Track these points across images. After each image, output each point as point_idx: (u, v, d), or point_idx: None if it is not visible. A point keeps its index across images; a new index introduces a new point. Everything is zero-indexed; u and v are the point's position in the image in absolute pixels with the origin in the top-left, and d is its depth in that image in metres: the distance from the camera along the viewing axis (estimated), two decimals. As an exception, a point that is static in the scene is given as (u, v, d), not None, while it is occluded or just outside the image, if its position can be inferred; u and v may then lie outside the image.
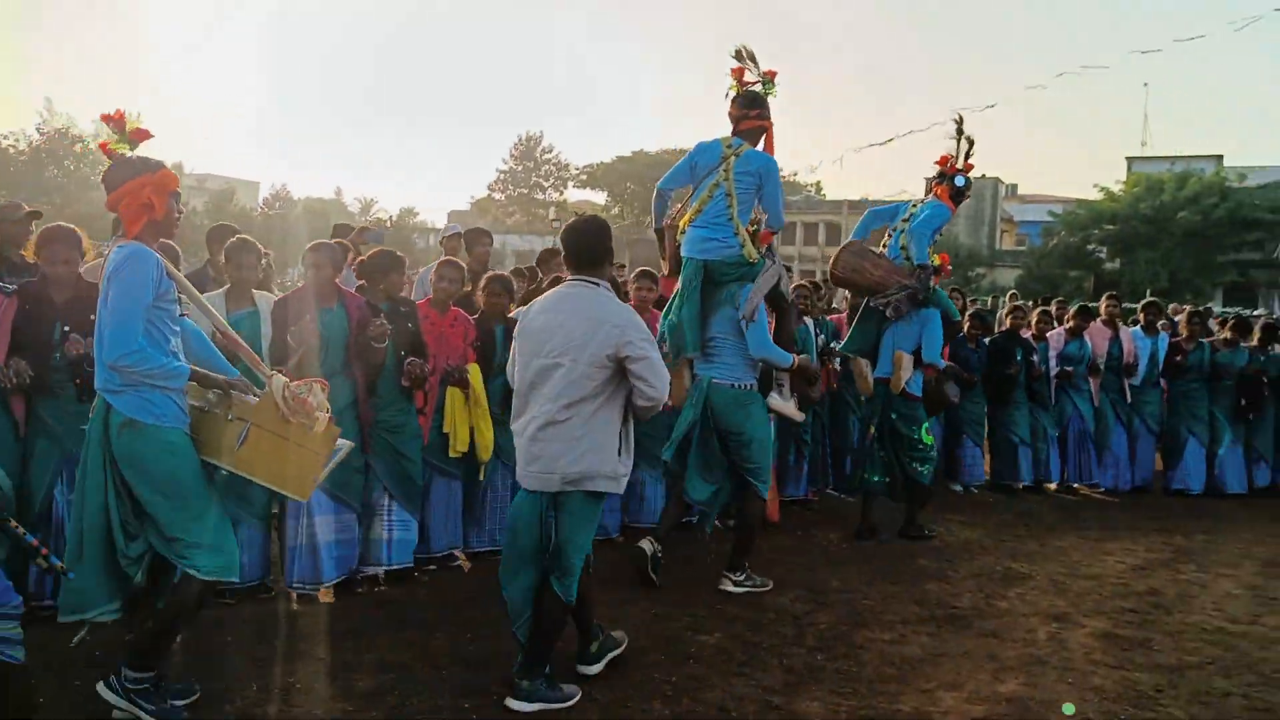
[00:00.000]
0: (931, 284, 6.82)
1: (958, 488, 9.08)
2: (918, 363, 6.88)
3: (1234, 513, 8.91)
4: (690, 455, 5.64)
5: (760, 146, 5.71)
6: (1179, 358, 9.47)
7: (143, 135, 3.73)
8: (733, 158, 5.55)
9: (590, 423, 3.97)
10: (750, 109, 5.66)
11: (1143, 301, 10.10)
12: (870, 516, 7.20)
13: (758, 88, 5.75)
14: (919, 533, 7.17)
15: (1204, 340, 9.62)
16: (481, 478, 5.92)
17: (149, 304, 3.54)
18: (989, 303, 20.98)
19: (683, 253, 5.67)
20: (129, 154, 3.71)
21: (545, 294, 4.31)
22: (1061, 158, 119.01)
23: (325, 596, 5.33)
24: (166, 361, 3.57)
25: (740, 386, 5.63)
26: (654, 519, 6.62)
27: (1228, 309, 36.21)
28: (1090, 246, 48.00)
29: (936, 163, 7.14)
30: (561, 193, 75.95)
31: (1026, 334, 9.35)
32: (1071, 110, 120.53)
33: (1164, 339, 9.58)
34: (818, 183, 74.25)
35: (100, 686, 3.68)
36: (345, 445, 4.13)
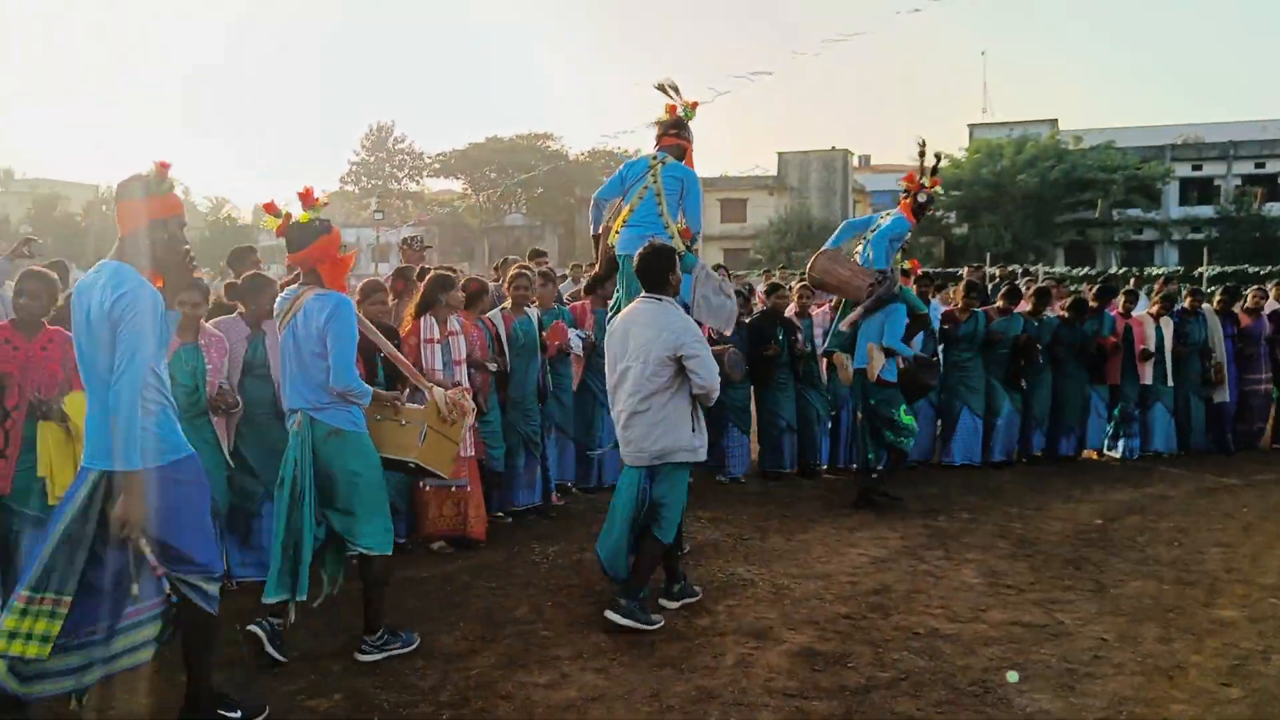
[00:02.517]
0: (898, 284, 7.63)
1: (722, 478, 8.49)
2: (889, 353, 7.48)
3: (1006, 485, 8.58)
4: None
5: (685, 160, 6.26)
6: (948, 327, 9.08)
7: (317, 203, 4.46)
8: (659, 166, 6.12)
9: (665, 410, 4.95)
10: (671, 128, 6.25)
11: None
12: (883, 483, 7.71)
13: (680, 112, 6.33)
14: (884, 498, 7.68)
15: (977, 310, 9.24)
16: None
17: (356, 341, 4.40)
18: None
19: (618, 252, 6.22)
20: (309, 220, 4.40)
21: (629, 307, 5.25)
22: (911, 128, 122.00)
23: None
24: (367, 388, 4.44)
25: None
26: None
27: (1068, 269, 37.37)
28: (939, 213, 48.88)
29: (903, 180, 7.87)
30: (418, 182, 73.99)
31: (792, 311, 8.83)
32: (918, 80, 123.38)
33: (936, 308, 9.19)
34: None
35: (359, 657, 4.51)
36: (463, 432, 5.14)
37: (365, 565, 4.49)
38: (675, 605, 5.29)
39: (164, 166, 3.64)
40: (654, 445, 4.98)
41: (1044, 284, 10.84)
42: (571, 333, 7.45)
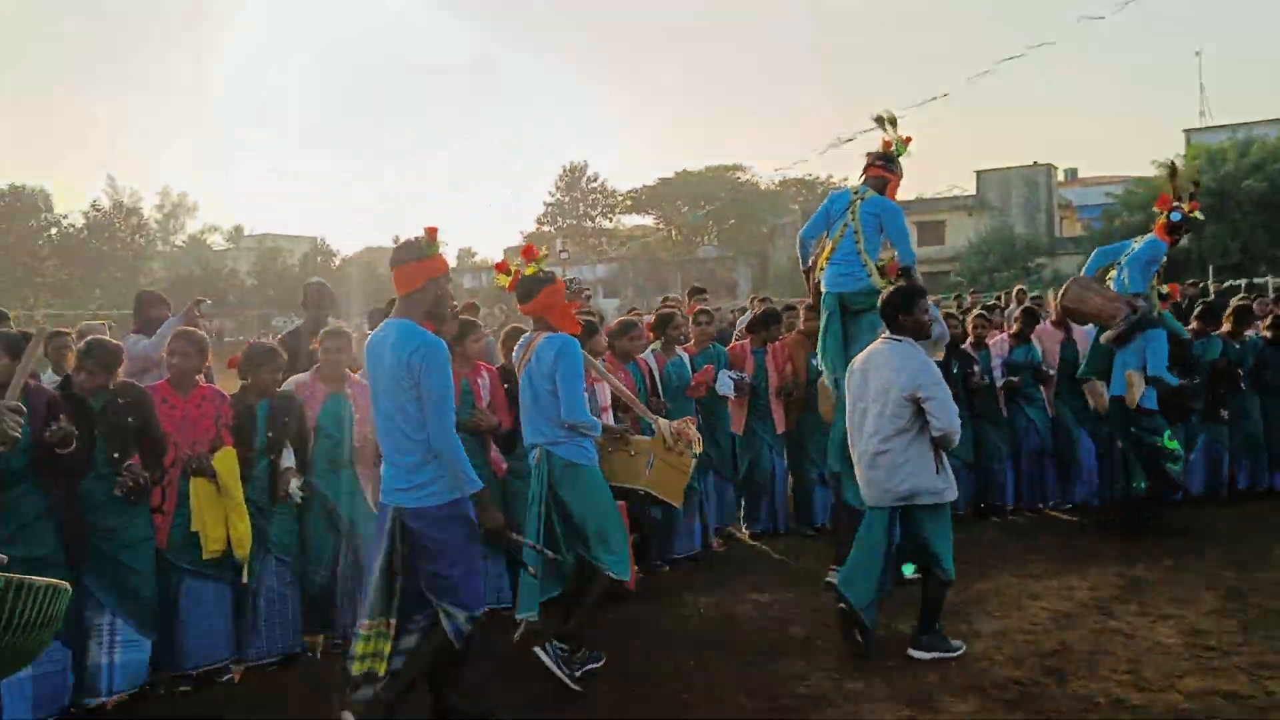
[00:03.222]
0: (1156, 308, 7.43)
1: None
2: (1147, 378, 7.30)
3: (1218, 526, 7.72)
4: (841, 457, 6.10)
5: (886, 190, 6.34)
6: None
7: (538, 255, 4.92)
8: (858, 201, 6.24)
9: (908, 451, 4.94)
10: (879, 160, 6.37)
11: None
12: (1151, 509, 7.58)
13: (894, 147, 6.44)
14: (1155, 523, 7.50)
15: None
16: (245, 578, 5.09)
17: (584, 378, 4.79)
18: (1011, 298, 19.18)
19: (822, 288, 6.38)
20: (534, 273, 4.84)
21: (870, 347, 5.27)
22: (1121, 138, 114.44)
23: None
24: (596, 421, 4.82)
25: None
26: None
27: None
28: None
29: (1156, 204, 7.77)
30: (611, 219, 75.62)
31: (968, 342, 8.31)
32: (1125, 86, 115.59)
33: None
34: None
35: (538, 650, 4.71)
36: (693, 462, 5.39)
37: (588, 581, 4.83)
38: (924, 655, 5.11)
39: (432, 231, 4.05)
40: (900, 486, 4.98)
41: (1244, 300, 9.72)
42: (723, 374, 7.24)
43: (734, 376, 7.27)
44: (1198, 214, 7.72)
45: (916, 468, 4.95)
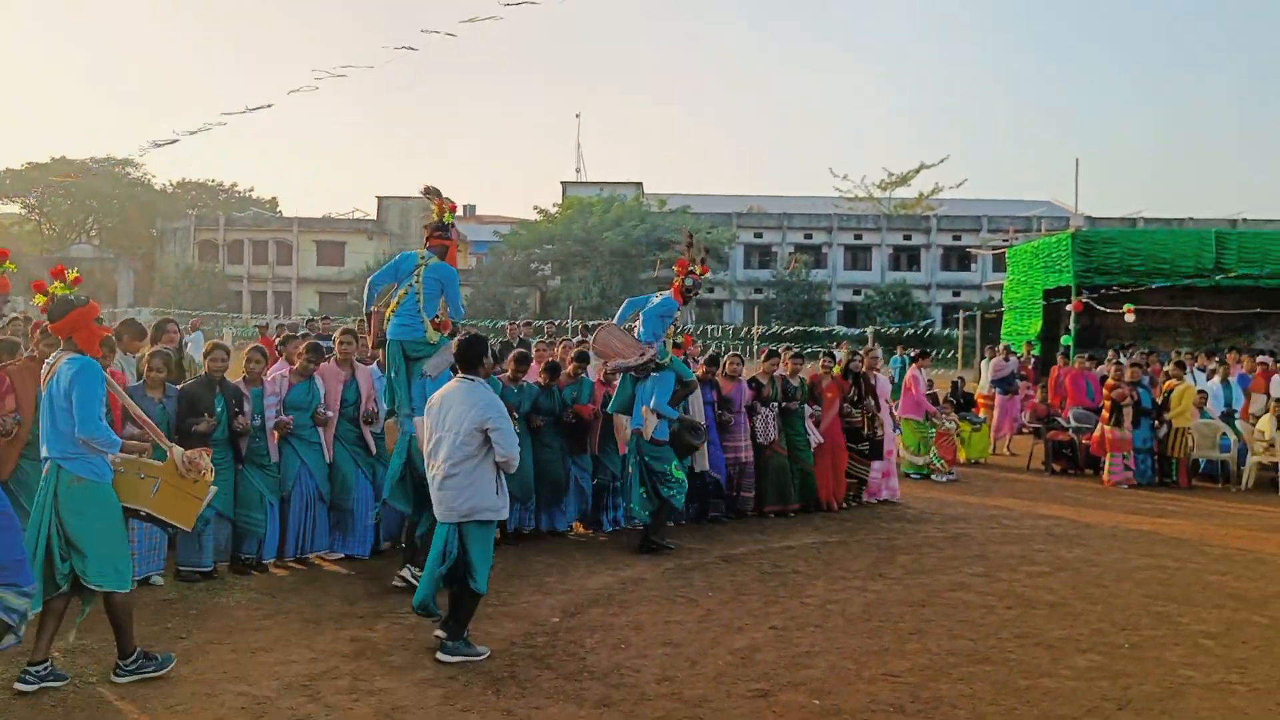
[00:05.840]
0: (668, 355, 8.63)
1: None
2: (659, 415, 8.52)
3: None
4: (401, 489, 6.98)
5: (447, 256, 7.17)
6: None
7: (78, 281, 5.30)
8: (423, 266, 7.07)
9: (473, 474, 5.69)
10: (437, 230, 7.13)
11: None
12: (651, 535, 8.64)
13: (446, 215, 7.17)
14: (658, 547, 8.55)
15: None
16: None
17: (103, 398, 5.10)
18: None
19: (387, 335, 7.10)
20: (67, 294, 5.23)
21: (447, 386, 5.98)
22: (515, 181, 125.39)
23: None
24: (114, 438, 5.10)
25: None
26: None
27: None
28: (534, 265, 49.81)
29: (675, 265, 8.87)
30: (-36, 203, 64.10)
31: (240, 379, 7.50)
32: (521, 135, 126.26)
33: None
34: (273, 199, 70.43)
35: (114, 679, 5.10)
36: (213, 490, 5.68)
37: (105, 600, 5.10)
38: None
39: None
40: (463, 505, 5.64)
41: (520, 350, 9.96)
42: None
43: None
44: (707, 277, 8.88)
45: (479, 488, 5.65)
